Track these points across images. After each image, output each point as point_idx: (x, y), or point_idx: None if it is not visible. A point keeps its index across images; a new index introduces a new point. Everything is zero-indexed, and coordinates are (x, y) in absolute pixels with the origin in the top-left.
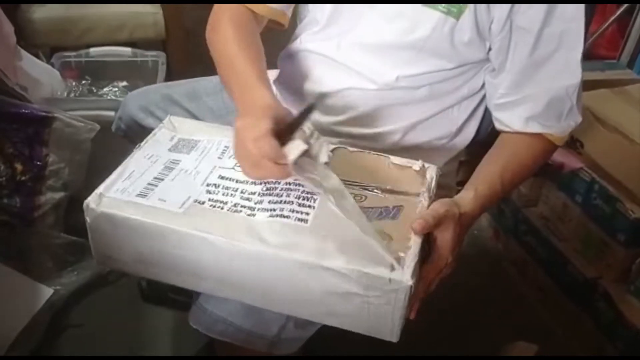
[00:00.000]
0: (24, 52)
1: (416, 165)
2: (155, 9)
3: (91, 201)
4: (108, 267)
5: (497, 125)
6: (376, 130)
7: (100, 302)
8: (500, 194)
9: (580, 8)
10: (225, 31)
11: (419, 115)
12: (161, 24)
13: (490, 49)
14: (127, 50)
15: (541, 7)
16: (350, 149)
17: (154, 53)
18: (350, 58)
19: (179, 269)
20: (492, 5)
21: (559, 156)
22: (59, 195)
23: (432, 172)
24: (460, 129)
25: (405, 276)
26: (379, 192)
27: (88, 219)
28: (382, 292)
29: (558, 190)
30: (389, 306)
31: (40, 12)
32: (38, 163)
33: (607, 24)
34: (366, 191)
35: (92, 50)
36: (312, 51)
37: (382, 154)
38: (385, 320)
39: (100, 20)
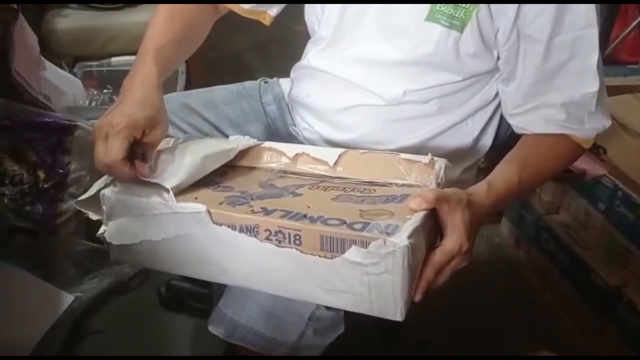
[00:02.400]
0: (47, 62)
1: (425, 159)
2: None
3: (107, 190)
4: (124, 262)
5: (517, 130)
6: (389, 146)
7: (120, 309)
8: (518, 191)
9: (592, 13)
10: (157, 14)
11: (431, 130)
12: None
13: (498, 58)
14: None
15: (549, 16)
16: (360, 150)
17: None
18: (356, 75)
19: (191, 256)
20: (495, 15)
21: (581, 163)
22: None
23: (441, 163)
24: (477, 140)
25: (400, 237)
26: (389, 186)
27: (105, 208)
28: (380, 258)
29: (580, 197)
30: (388, 275)
31: (63, 23)
32: (60, 171)
33: (629, 29)
34: (375, 186)
35: (114, 59)
36: (318, 69)
37: (392, 152)
38: (386, 294)
39: (122, 30)
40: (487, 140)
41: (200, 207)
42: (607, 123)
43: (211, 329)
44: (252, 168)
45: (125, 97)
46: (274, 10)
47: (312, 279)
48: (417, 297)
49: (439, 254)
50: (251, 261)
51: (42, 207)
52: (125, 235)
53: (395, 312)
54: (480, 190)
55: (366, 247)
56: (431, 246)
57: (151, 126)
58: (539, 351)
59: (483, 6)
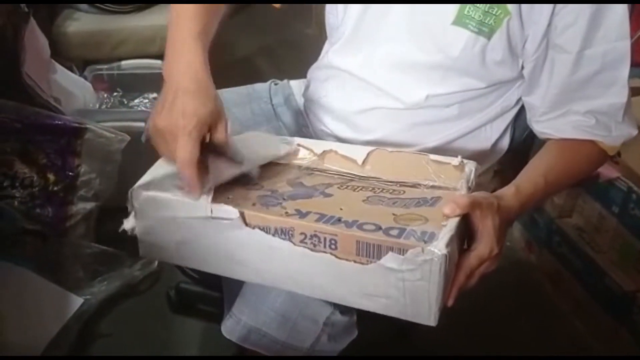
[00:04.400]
0: (57, 65)
1: (455, 161)
2: None
3: (137, 186)
4: (152, 258)
5: (541, 136)
6: (405, 150)
7: (129, 312)
8: (544, 194)
9: (626, 25)
10: None
11: (450, 134)
12: None
13: (522, 67)
14: (158, 62)
15: (581, 28)
16: (389, 149)
17: None
18: (378, 76)
19: (224, 257)
20: (526, 24)
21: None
22: (90, 205)
23: (471, 166)
24: (494, 145)
25: (438, 246)
26: (418, 187)
27: (136, 204)
28: (416, 265)
29: (594, 200)
30: (424, 282)
31: (74, 26)
32: (70, 173)
33: None
34: (405, 187)
35: (124, 63)
36: (338, 68)
37: (421, 153)
38: (421, 299)
39: (132, 33)
40: (504, 145)
41: (235, 213)
42: (634, 132)
43: (225, 332)
44: (279, 164)
45: (178, 91)
46: None
47: (346, 283)
48: (450, 302)
49: (471, 259)
50: (285, 264)
51: (51, 210)
52: (157, 235)
53: (429, 317)
54: (508, 193)
55: (403, 254)
56: (460, 248)
57: (215, 122)
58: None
59: (514, 14)
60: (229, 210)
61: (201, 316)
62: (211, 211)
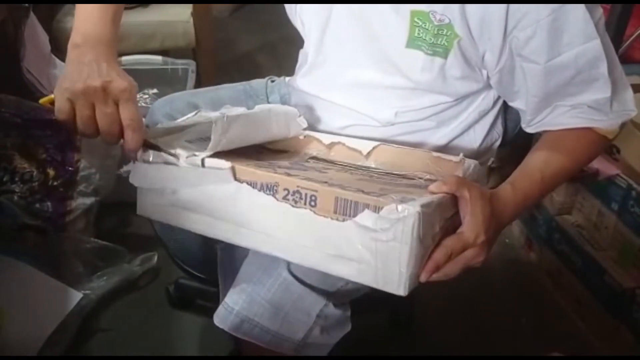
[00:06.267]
0: (58, 61)
1: (456, 158)
2: (185, 18)
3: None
4: (147, 215)
5: (538, 131)
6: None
7: (128, 307)
8: (542, 188)
9: (591, 26)
10: None
11: (434, 141)
12: (191, 33)
13: (488, 77)
14: (158, 58)
15: (542, 38)
16: (394, 145)
17: (184, 61)
18: (345, 99)
19: (209, 212)
20: (479, 43)
21: (594, 162)
22: (89, 200)
23: (471, 162)
24: (481, 145)
25: (413, 205)
26: (415, 179)
27: (138, 156)
28: (390, 224)
29: (593, 197)
30: (396, 243)
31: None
32: (70, 168)
33: None
34: (404, 178)
35: (124, 58)
36: (307, 92)
37: (424, 150)
38: (392, 263)
39: (133, 29)
40: (494, 141)
41: (226, 164)
42: (633, 112)
43: (217, 322)
44: (285, 152)
45: (103, 56)
46: None
47: (322, 243)
48: (423, 277)
49: (453, 239)
50: (266, 220)
51: (51, 205)
52: (149, 179)
53: (398, 284)
54: (503, 189)
55: (378, 213)
56: (447, 232)
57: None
58: (551, 353)
59: (464, 36)
60: (220, 163)
61: (200, 311)
62: (203, 161)
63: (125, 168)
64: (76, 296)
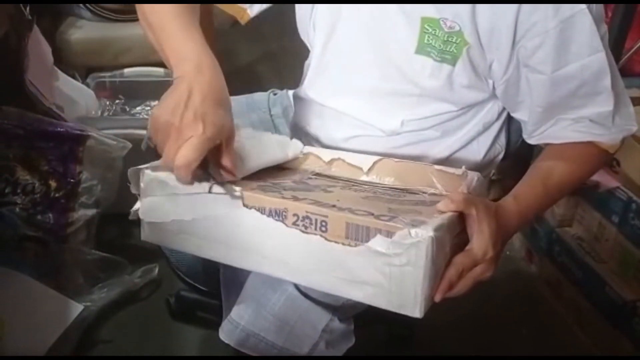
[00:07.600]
0: (60, 73)
1: (458, 171)
2: None
3: (145, 167)
4: (152, 242)
5: (539, 144)
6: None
7: (129, 319)
8: (544, 201)
9: (597, 39)
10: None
11: (438, 152)
12: None
13: (494, 87)
14: (160, 70)
15: (549, 48)
16: (395, 159)
17: None
18: (351, 108)
19: (218, 239)
20: (487, 51)
21: (594, 175)
22: (91, 212)
23: (473, 175)
24: (485, 157)
25: (426, 229)
26: (419, 194)
27: (142, 184)
28: (403, 249)
29: (593, 210)
30: (410, 267)
31: (77, 34)
32: (72, 180)
33: None
34: (407, 193)
35: (127, 70)
36: (313, 100)
37: (426, 163)
38: (407, 287)
39: (135, 41)
40: (498, 154)
41: (233, 190)
42: (633, 127)
43: (222, 337)
44: (286, 168)
45: (199, 93)
46: (254, 10)
47: (334, 267)
48: (438, 297)
49: (463, 256)
50: (276, 246)
51: (52, 216)
52: (157, 212)
53: (414, 307)
54: (507, 202)
55: (391, 238)
56: (456, 250)
57: (228, 139)
58: None
59: (473, 43)
60: (228, 188)
61: (201, 323)
62: (211, 188)
63: (134, 208)
64: (77, 308)
